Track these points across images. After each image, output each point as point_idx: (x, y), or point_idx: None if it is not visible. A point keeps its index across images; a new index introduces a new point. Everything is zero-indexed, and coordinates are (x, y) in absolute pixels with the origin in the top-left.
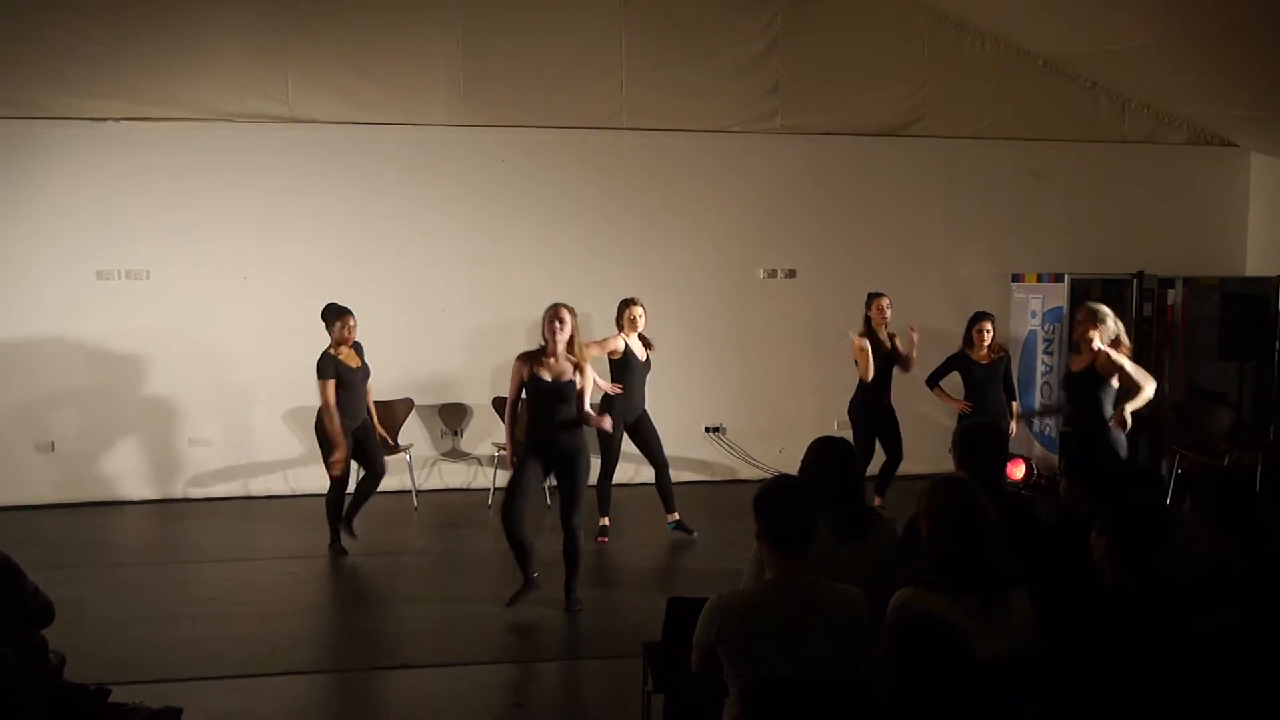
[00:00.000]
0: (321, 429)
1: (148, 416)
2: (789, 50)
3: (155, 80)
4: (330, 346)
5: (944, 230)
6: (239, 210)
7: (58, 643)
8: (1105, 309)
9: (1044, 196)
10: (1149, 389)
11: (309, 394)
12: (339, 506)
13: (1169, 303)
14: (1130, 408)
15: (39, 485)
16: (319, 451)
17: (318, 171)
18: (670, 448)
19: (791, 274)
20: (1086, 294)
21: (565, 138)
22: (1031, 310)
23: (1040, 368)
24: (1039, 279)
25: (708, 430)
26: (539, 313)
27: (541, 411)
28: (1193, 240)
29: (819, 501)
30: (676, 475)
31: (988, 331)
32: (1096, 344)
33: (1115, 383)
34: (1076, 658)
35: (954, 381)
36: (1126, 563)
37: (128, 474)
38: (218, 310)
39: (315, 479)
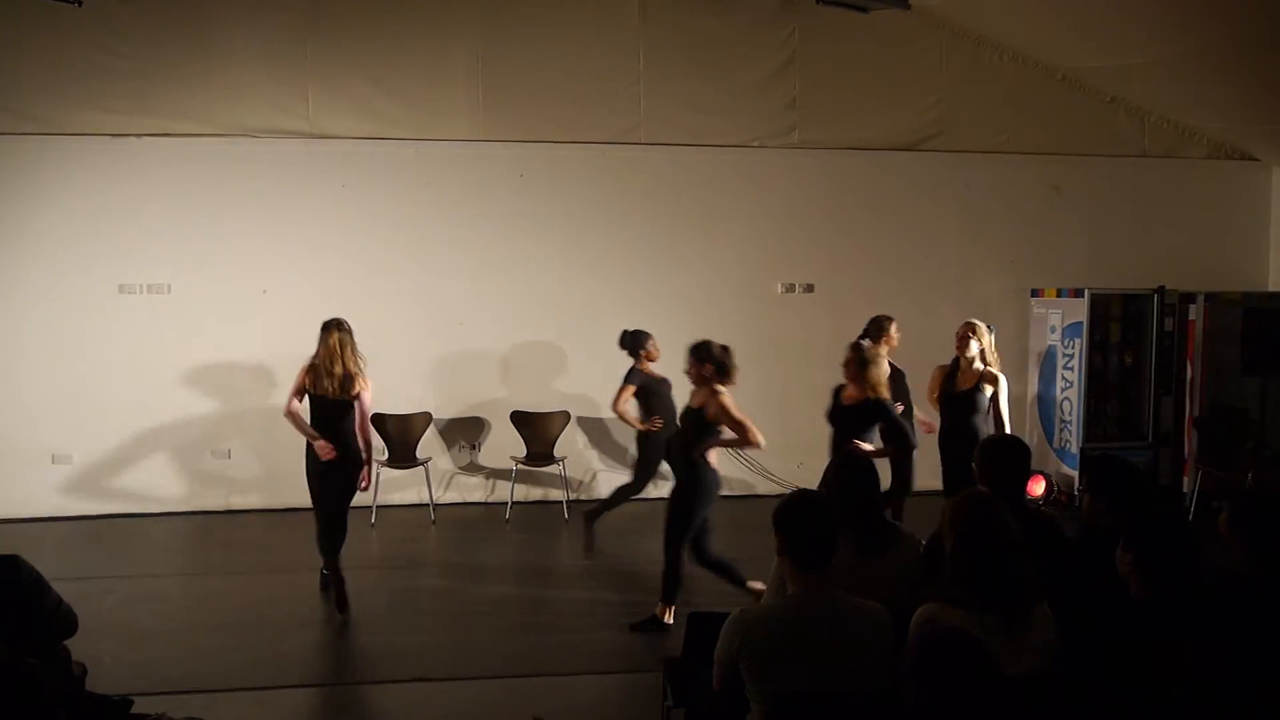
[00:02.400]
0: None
1: (169, 429)
2: (807, 65)
3: (178, 96)
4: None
5: (962, 245)
6: (260, 224)
7: (80, 654)
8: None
9: (1063, 211)
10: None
11: None
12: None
13: (1190, 318)
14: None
15: (60, 497)
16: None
17: (338, 186)
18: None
19: (810, 289)
20: (1107, 309)
21: (584, 153)
22: (1051, 325)
23: (1060, 383)
24: (1058, 294)
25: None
26: (558, 326)
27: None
28: (1214, 255)
29: (840, 517)
30: None
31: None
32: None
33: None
34: (1103, 673)
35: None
36: (1152, 579)
37: (149, 486)
38: (238, 323)
39: None
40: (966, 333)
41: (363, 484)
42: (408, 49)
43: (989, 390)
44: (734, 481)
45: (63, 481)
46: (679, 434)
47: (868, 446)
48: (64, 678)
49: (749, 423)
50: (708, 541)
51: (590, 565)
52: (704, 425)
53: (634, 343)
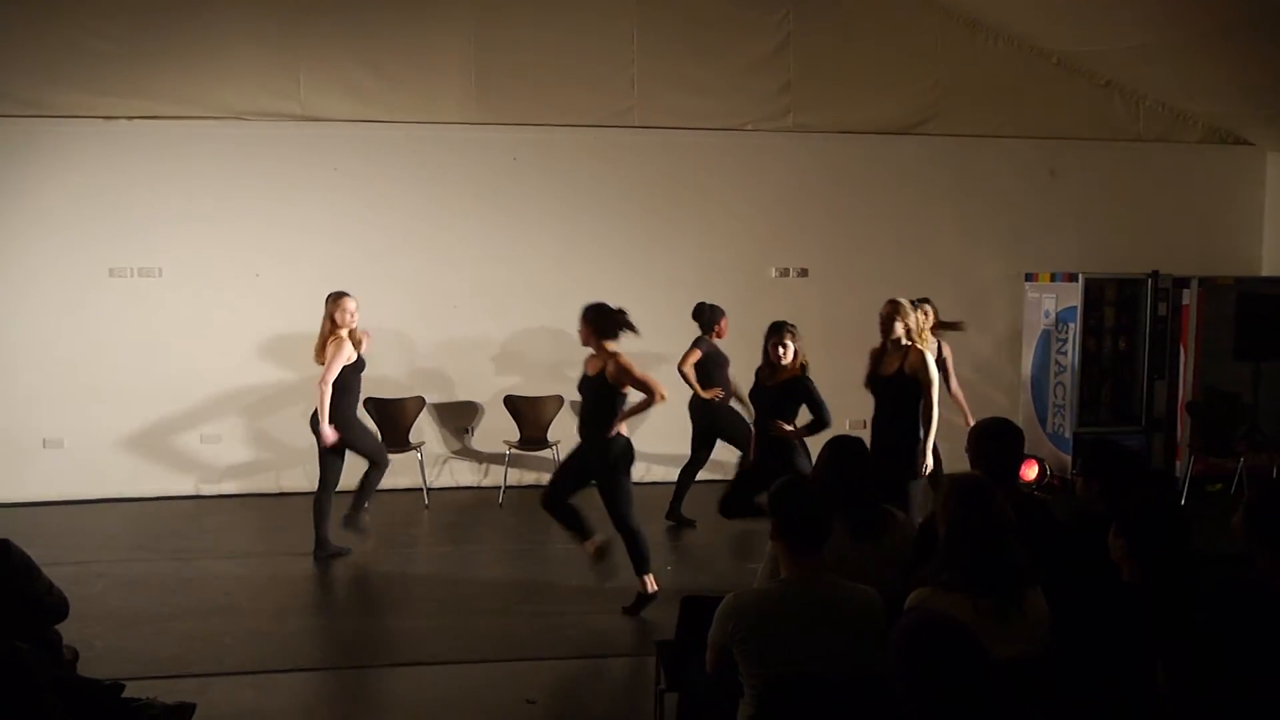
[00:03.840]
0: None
1: (160, 413)
2: (801, 48)
3: (168, 78)
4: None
5: (957, 229)
6: (251, 208)
7: (71, 638)
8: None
9: (1057, 195)
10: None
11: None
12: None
13: (1184, 302)
14: None
15: (51, 481)
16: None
17: (330, 169)
18: (683, 446)
19: (804, 273)
20: (1101, 294)
21: (577, 136)
22: (1045, 310)
23: (1054, 368)
24: (1052, 278)
25: None
26: (551, 310)
27: None
28: (1208, 239)
29: (833, 501)
30: None
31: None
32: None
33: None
34: (1095, 658)
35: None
36: (1145, 563)
37: (140, 470)
38: (230, 307)
39: None
40: (890, 312)
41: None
42: (400, 31)
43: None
44: (729, 466)
45: (54, 465)
46: (583, 405)
47: (788, 427)
48: (55, 662)
49: (651, 379)
50: (569, 494)
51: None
52: (606, 391)
53: (710, 317)
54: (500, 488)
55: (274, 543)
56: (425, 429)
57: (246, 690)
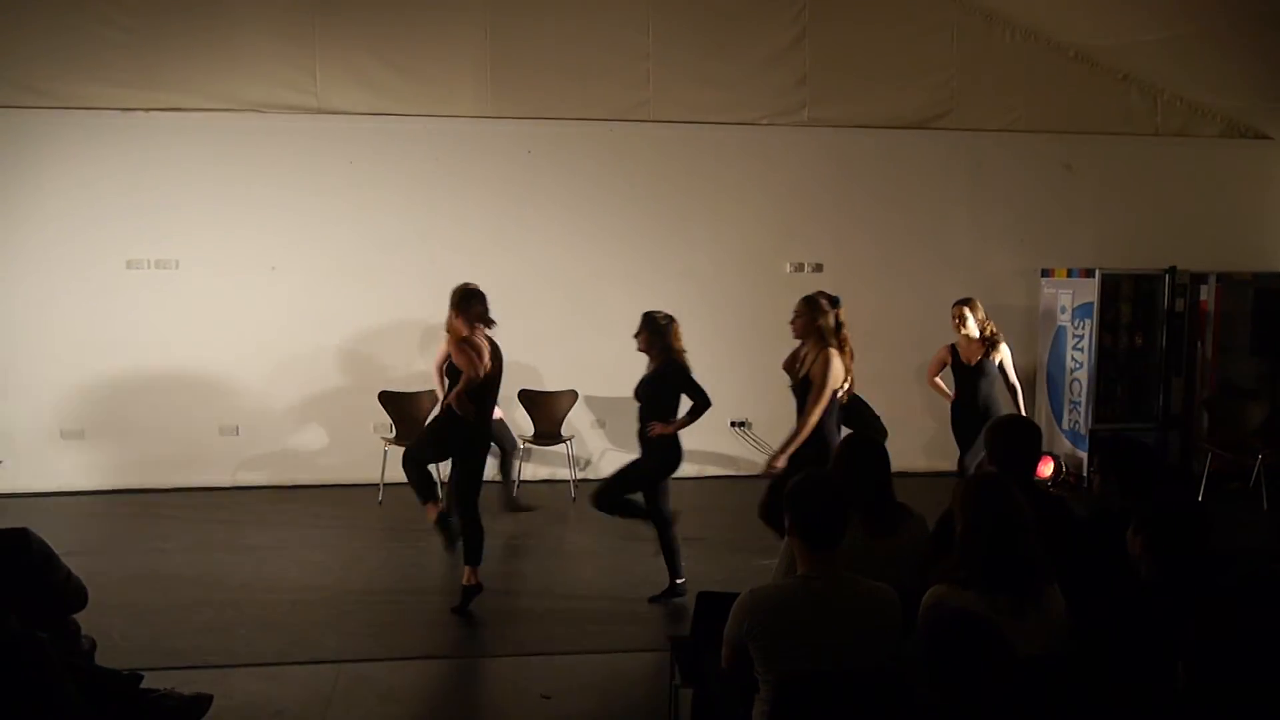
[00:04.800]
0: None
1: (177, 405)
2: (817, 42)
3: (185, 71)
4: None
5: (972, 224)
6: (267, 200)
7: (89, 628)
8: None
9: (1074, 190)
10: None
11: (335, 380)
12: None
13: (1201, 298)
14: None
15: (70, 472)
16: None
17: (345, 162)
18: (695, 442)
19: (818, 268)
20: (1117, 290)
21: (592, 129)
22: (1061, 305)
23: (1069, 363)
24: (1069, 274)
25: (733, 425)
26: (565, 303)
27: None
28: (1225, 235)
29: (850, 497)
30: (702, 469)
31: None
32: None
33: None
34: (1113, 656)
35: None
36: (1163, 561)
37: (157, 462)
38: (246, 299)
39: (343, 468)
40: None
41: None
42: (415, 24)
43: (996, 359)
44: (741, 462)
45: (72, 456)
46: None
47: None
48: (73, 651)
49: (471, 358)
50: (427, 462)
51: (598, 544)
52: (456, 376)
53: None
54: (515, 481)
55: (289, 535)
56: None
57: (262, 682)
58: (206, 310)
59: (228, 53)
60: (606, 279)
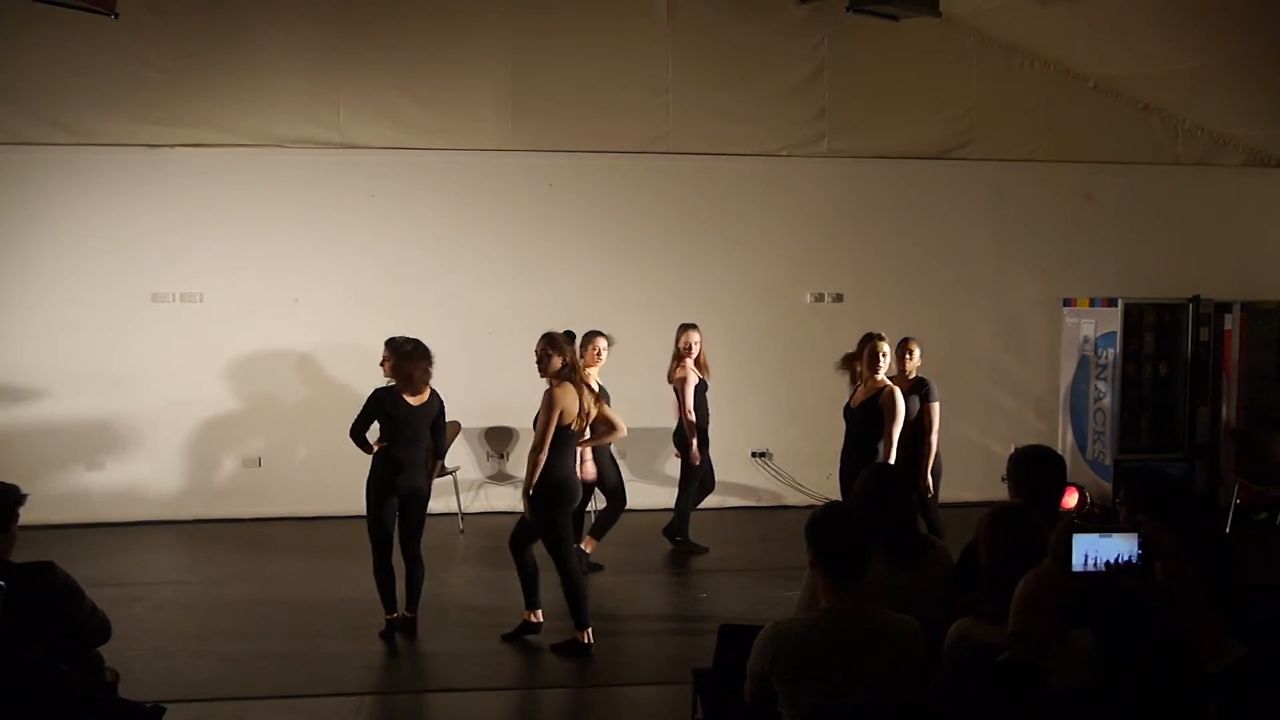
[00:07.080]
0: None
1: (200, 437)
2: (836, 74)
3: (211, 107)
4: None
5: (994, 254)
6: (290, 234)
7: (112, 660)
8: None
9: (1096, 220)
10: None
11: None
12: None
13: (1226, 327)
14: None
15: (93, 504)
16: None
17: (368, 196)
18: (717, 472)
19: (839, 298)
20: (1140, 319)
21: (612, 162)
22: (1084, 335)
23: (1093, 394)
24: (1091, 304)
25: (754, 455)
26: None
27: None
28: (1249, 264)
29: (872, 529)
30: (722, 500)
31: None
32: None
33: None
34: (1142, 691)
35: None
36: None
37: (181, 494)
38: (270, 332)
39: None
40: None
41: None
42: (437, 59)
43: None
44: (763, 492)
45: (97, 489)
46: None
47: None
48: (97, 684)
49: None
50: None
51: (618, 576)
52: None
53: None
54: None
55: (311, 567)
56: (460, 454)
57: (284, 715)
58: (230, 342)
59: (252, 89)
60: (627, 309)
